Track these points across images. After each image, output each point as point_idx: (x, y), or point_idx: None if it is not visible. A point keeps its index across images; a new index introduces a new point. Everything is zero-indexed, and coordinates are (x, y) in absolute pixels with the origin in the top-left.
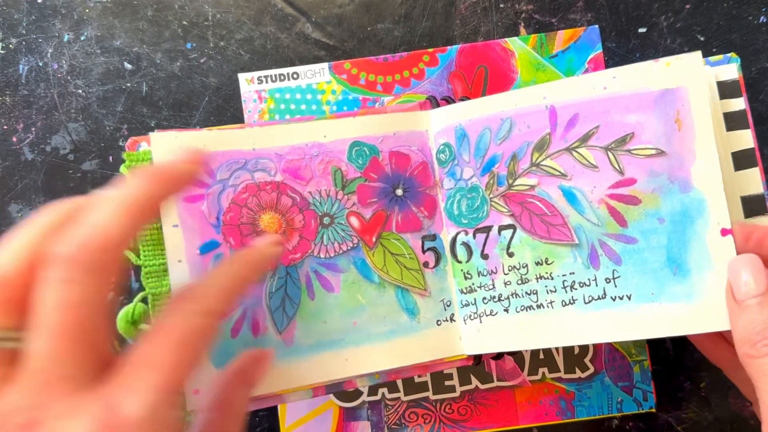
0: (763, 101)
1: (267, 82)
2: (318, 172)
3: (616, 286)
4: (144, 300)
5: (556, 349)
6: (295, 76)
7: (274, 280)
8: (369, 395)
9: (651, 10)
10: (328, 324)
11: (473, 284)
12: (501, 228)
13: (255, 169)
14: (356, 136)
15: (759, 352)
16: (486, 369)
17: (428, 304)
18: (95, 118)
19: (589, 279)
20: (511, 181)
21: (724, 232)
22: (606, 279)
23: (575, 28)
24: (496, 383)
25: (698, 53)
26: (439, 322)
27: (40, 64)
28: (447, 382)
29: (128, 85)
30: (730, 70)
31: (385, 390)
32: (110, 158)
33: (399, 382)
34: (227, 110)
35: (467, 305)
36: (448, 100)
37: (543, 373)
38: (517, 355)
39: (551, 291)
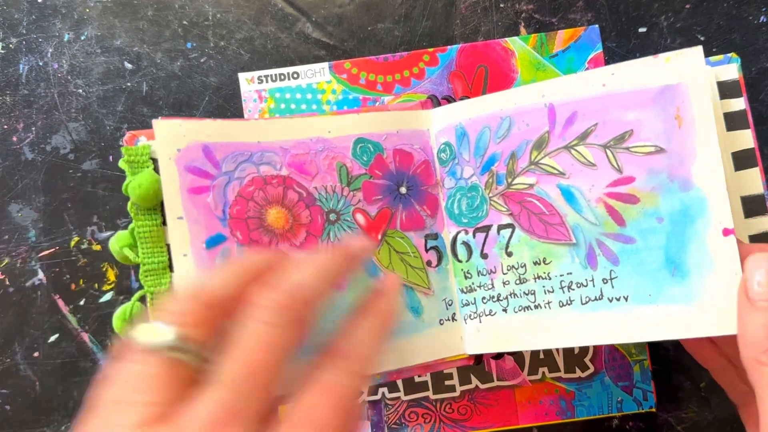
0: (763, 101)
1: (267, 81)
2: (323, 168)
3: (613, 287)
4: (142, 299)
5: (556, 348)
6: (295, 75)
7: None
8: (369, 395)
9: (651, 10)
10: (336, 323)
11: (473, 284)
12: (500, 227)
13: (260, 162)
14: (360, 132)
15: None
16: (486, 369)
17: (432, 302)
18: (95, 117)
19: (586, 279)
20: (510, 180)
21: (726, 232)
22: (603, 279)
23: (575, 28)
24: (496, 383)
25: (699, 48)
26: (441, 322)
27: (41, 63)
28: (447, 382)
29: (128, 84)
30: (730, 70)
31: (385, 390)
32: (110, 158)
33: (399, 382)
34: (227, 110)
35: (467, 305)
36: (449, 100)
37: (543, 372)
38: (517, 355)
39: (549, 291)
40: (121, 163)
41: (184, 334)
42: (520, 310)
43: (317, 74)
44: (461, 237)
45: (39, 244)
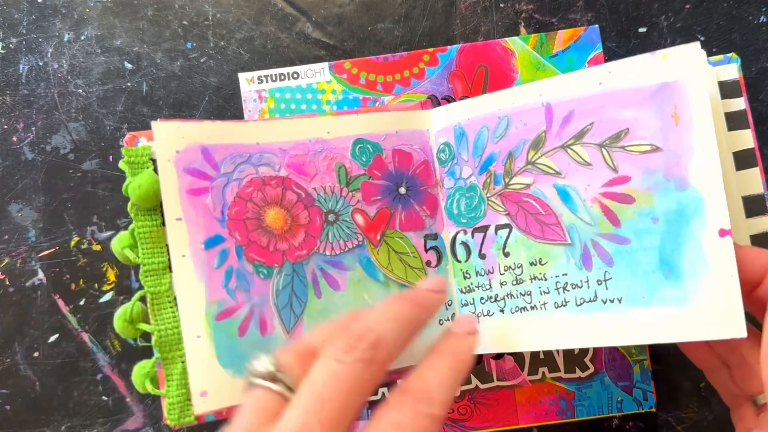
0: (763, 101)
1: (267, 81)
2: (322, 169)
3: (607, 289)
4: (142, 299)
5: (555, 349)
6: (295, 75)
7: (281, 278)
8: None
9: (651, 10)
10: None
11: (471, 284)
12: (498, 227)
13: (259, 163)
14: (359, 133)
15: None
16: (486, 369)
17: None
18: (95, 117)
19: (581, 280)
20: (507, 180)
21: (723, 232)
22: (598, 281)
23: (575, 28)
24: (496, 383)
25: (697, 44)
26: (441, 322)
27: (41, 63)
28: None
29: (128, 84)
30: (730, 70)
31: (385, 390)
32: (110, 158)
33: (399, 382)
34: (227, 110)
35: (466, 305)
36: (449, 100)
37: (543, 372)
38: (517, 355)
39: (545, 292)
40: (121, 164)
41: (278, 364)
42: (516, 311)
43: (317, 74)
44: (460, 237)
45: (39, 244)
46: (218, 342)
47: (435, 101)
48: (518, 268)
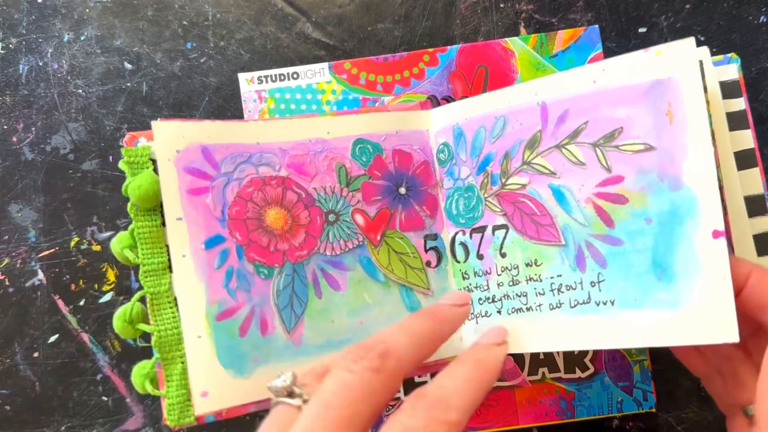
0: (763, 101)
1: (267, 81)
2: (322, 169)
3: (600, 291)
4: (142, 300)
5: None
6: (295, 76)
7: (281, 278)
8: None
9: (651, 10)
10: (336, 323)
11: (470, 284)
12: (495, 228)
13: (259, 163)
14: (359, 133)
15: None
16: None
17: (431, 303)
18: (95, 117)
19: (575, 282)
20: (504, 180)
21: (716, 234)
22: (591, 283)
23: (575, 28)
24: (495, 383)
25: (691, 40)
26: None
27: (40, 63)
28: None
29: (128, 84)
30: (731, 70)
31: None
32: (110, 158)
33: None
34: (227, 110)
35: None
36: (449, 100)
37: (543, 373)
38: (517, 355)
39: (540, 293)
40: (121, 164)
41: (296, 380)
42: (512, 312)
43: (317, 74)
44: (459, 237)
45: (39, 244)
46: (219, 342)
47: (435, 101)
48: (514, 269)
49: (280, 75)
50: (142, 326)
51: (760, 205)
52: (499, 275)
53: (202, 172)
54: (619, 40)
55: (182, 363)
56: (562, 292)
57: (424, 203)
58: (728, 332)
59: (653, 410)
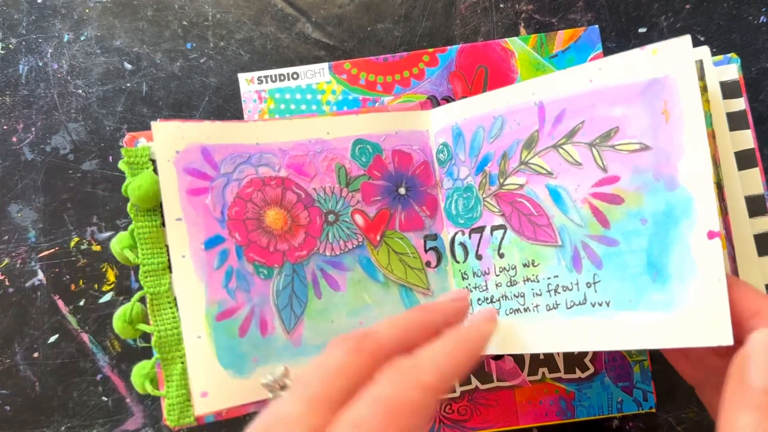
0: (763, 101)
1: (267, 82)
2: (322, 169)
3: (596, 292)
4: (142, 300)
5: None
6: (295, 76)
7: (281, 278)
8: None
9: (651, 10)
10: (335, 323)
11: (469, 285)
12: (493, 228)
13: (259, 163)
14: (359, 133)
15: None
16: (486, 369)
17: None
18: (95, 118)
19: (571, 283)
20: (502, 181)
21: (711, 234)
22: (587, 283)
23: (575, 28)
24: (496, 383)
25: (687, 38)
26: None
27: (40, 64)
28: None
29: (128, 85)
30: (731, 70)
31: None
32: (110, 158)
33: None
34: (227, 110)
35: None
36: (449, 100)
37: (543, 373)
38: (517, 356)
39: (537, 294)
40: (121, 165)
41: (287, 373)
42: (510, 313)
43: (317, 75)
44: (458, 238)
45: (39, 244)
46: (219, 342)
47: (435, 102)
48: (512, 269)
49: (280, 75)
50: (142, 326)
51: (761, 205)
52: (497, 276)
53: (202, 173)
54: (619, 41)
55: (182, 363)
56: (559, 293)
57: (424, 203)
58: (722, 335)
59: (653, 410)
